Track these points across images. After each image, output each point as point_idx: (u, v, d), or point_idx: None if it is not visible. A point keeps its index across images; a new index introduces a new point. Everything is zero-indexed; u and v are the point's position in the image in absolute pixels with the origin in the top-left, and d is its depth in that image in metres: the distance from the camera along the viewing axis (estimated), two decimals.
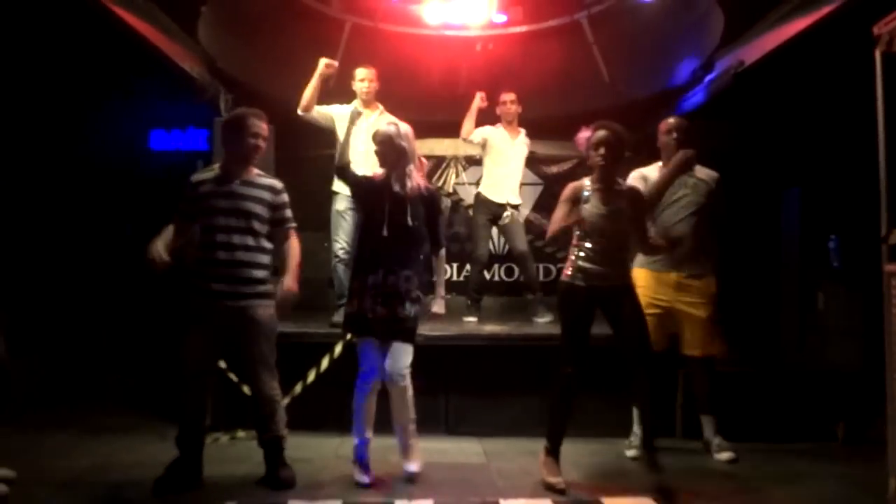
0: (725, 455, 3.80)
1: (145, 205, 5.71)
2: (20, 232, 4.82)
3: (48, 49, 4.76)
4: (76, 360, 5.38)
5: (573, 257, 3.39)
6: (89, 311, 5.68)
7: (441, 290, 3.57)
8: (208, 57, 5.21)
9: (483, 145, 5.23)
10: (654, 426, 3.51)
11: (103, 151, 5.67)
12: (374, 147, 3.42)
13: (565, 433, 3.40)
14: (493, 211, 5.25)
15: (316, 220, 5.10)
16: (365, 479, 3.35)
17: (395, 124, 3.46)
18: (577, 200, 3.37)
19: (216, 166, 3.39)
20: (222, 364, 4.08)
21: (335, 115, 4.69)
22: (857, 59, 3.31)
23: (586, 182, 3.42)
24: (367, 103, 4.75)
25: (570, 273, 3.37)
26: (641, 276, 3.79)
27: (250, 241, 3.26)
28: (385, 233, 3.29)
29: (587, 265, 3.33)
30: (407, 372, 3.36)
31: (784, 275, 5.58)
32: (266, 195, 3.32)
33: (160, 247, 3.19)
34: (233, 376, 4.07)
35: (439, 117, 5.38)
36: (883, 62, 3.12)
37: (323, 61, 4.52)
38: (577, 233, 3.40)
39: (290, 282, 3.35)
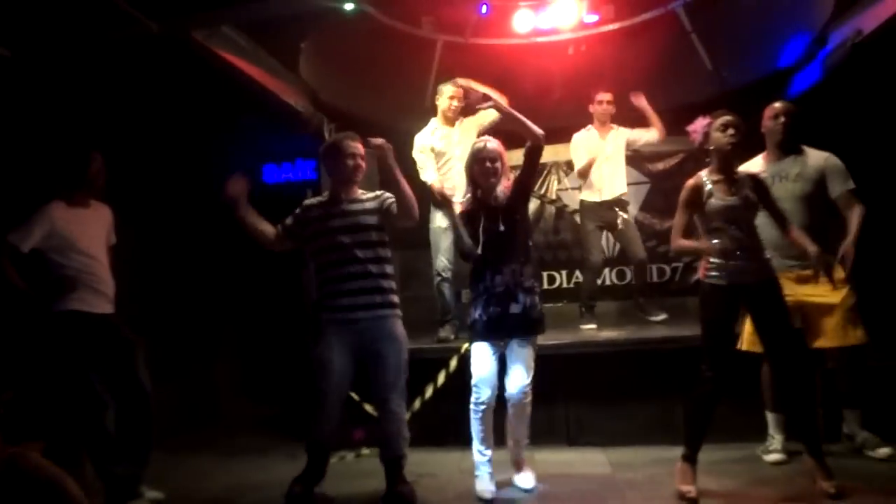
0: (883, 451, 3.50)
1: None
2: (155, 264, 5.20)
3: (170, 95, 5.15)
4: (210, 386, 5.73)
5: (709, 256, 3.22)
6: (219, 339, 6.03)
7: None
8: (311, 90, 5.45)
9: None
10: (815, 430, 3.21)
11: (220, 187, 6.03)
12: (480, 164, 3.36)
13: (704, 439, 3.23)
14: (601, 216, 5.08)
15: (419, 239, 5.18)
16: (489, 493, 3.33)
17: (491, 140, 3.44)
18: (697, 203, 3.22)
19: (325, 193, 3.52)
20: None
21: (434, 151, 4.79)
22: None
23: (704, 176, 3.26)
24: (450, 120, 4.79)
25: (709, 273, 3.21)
26: None
27: (374, 253, 3.38)
28: (479, 250, 3.29)
29: (726, 261, 3.16)
30: (528, 389, 3.32)
31: None
32: (373, 204, 3.43)
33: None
34: (354, 395, 4.17)
35: (536, 124, 5.34)
36: None
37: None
38: (708, 229, 3.23)
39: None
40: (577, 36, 5.47)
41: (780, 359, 3.20)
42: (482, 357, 3.33)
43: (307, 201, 3.53)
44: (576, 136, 5.16)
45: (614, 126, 5.14)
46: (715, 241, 3.18)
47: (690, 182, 3.28)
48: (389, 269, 3.43)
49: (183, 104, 5.27)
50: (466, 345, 4.26)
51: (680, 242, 3.26)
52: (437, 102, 4.85)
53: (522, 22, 5.29)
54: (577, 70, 5.47)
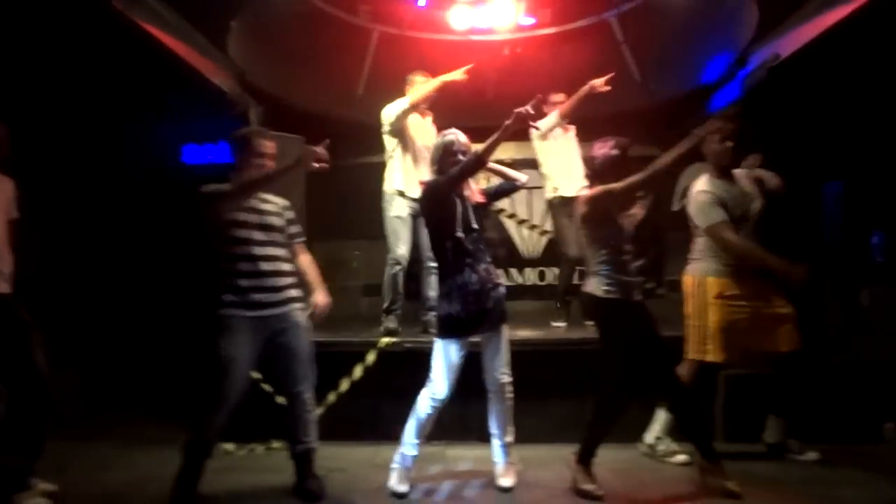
0: (812, 455, 3.72)
1: (179, 217, 5.81)
2: (57, 246, 4.92)
3: (87, 67, 4.86)
4: (115, 372, 5.46)
5: (605, 271, 3.28)
6: (126, 323, 5.77)
7: None
8: (238, 71, 5.28)
9: (545, 135, 4.94)
10: (705, 432, 3.40)
11: (139, 167, 5.77)
12: (452, 157, 3.36)
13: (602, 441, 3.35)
14: (570, 210, 4.95)
15: (347, 229, 5.13)
16: (405, 488, 3.33)
17: (461, 134, 3.49)
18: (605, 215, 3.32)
19: (226, 185, 3.30)
20: (256, 374, 4.10)
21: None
22: None
23: None
24: (421, 111, 4.73)
25: (607, 288, 3.27)
26: (718, 284, 3.62)
27: (283, 252, 3.35)
28: (461, 234, 3.30)
29: (622, 277, 3.26)
30: (507, 370, 3.40)
31: (827, 271, 5.41)
32: (280, 210, 3.41)
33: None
34: (267, 387, 4.08)
35: (468, 123, 5.33)
36: None
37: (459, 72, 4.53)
38: (601, 246, 3.31)
39: (322, 296, 3.45)
40: (513, 37, 5.53)
41: (663, 366, 3.33)
42: (452, 353, 3.31)
43: (207, 189, 3.24)
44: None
45: (571, 126, 5.07)
46: (614, 254, 3.29)
47: (601, 192, 3.30)
48: (293, 266, 3.42)
49: (101, 76, 4.98)
50: (385, 339, 4.26)
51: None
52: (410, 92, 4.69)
53: (460, 18, 5.30)
54: (511, 71, 5.53)
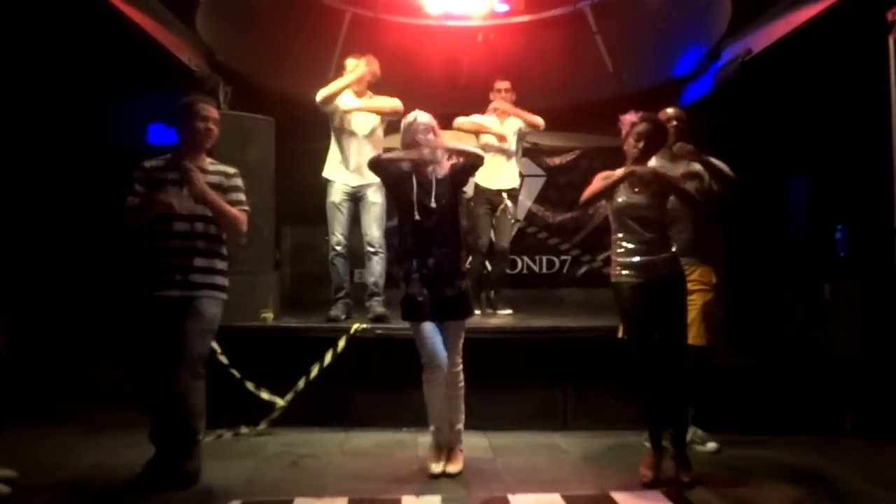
0: (711, 445, 3.77)
1: None
2: (19, 227, 4.76)
3: (47, 42, 4.68)
4: (77, 357, 5.33)
5: (616, 255, 3.34)
6: (90, 307, 5.62)
7: None
8: (207, 49, 5.16)
9: (476, 134, 4.97)
10: (686, 424, 3.44)
11: (101, 146, 5.58)
12: (411, 136, 3.35)
13: (662, 425, 3.34)
14: (491, 200, 4.99)
15: (315, 213, 5.04)
16: (436, 468, 3.31)
17: (422, 114, 3.44)
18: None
19: (167, 155, 3.27)
20: (224, 359, 4.05)
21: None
22: (869, 46, 3.26)
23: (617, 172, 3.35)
24: (359, 93, 4.65)
25: (617, 272, 3.32)
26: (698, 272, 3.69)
27: (208, 229, 3.22)
28: (417, 217, 3.28)
29: (633, 259, 3.28)
30: (458, 359, 3.36)
31: (791, 265, 5.54)
32: (218, 180, 3.26)
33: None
34: (236, 372, 4.03)
35: (440, 109, 5.29)
36: None
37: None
38: (615, 228, 3.35)
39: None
40: (487, 24, 5.50)
41: (669, 351, 3.33)
42: (423, 332, 3.27)
43: (147, 163, 3.24)
44: (477, 115, 5.02)
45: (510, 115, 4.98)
46: (626, 236, 3.30)
47: (606, 171, 3.37)
48: (221, 247, 3.29)
49: (65, 52, 4.79)
50: (357, 325, 4.23)
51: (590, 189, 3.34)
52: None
53: (434, 3, 5.25)
54: (484, 58, 5.50)
